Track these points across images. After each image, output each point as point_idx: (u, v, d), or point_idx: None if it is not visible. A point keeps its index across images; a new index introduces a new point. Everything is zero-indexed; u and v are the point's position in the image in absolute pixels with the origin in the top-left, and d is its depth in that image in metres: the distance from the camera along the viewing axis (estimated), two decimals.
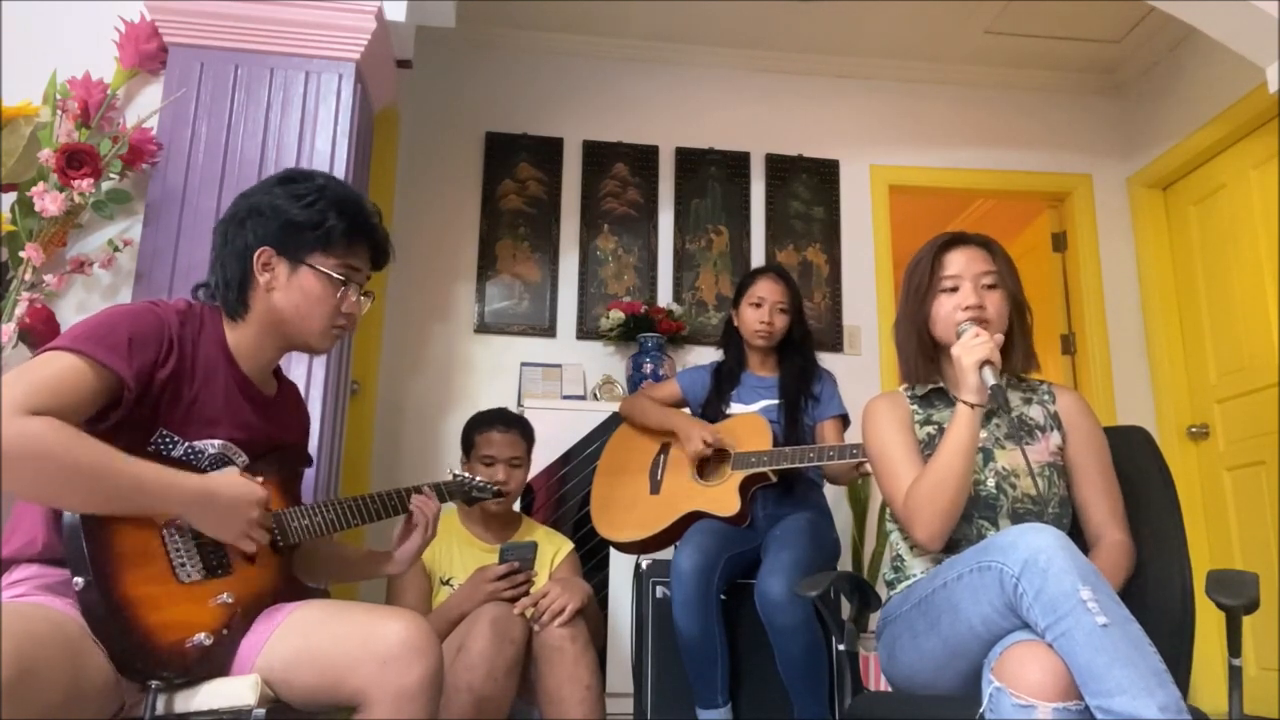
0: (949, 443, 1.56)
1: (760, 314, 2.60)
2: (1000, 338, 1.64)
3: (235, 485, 1.40)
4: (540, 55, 4.13)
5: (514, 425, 2.42)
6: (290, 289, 1.51)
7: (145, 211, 2.41)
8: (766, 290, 2.62)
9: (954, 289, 1.68)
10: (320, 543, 1.67)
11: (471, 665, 1.92)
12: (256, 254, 1.50)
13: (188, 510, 1.35)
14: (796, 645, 2.17)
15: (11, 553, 1.36)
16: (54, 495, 1.27)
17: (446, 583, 2.31)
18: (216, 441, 1.47)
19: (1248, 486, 3.50)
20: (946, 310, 1.68)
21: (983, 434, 1.66)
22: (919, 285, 1.72)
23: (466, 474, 2.04)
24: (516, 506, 2.58)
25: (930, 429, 1.73)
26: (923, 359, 1.73)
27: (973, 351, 1.56)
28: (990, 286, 1.69)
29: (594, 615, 2.25)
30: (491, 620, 1.99)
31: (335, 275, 1.52)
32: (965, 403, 1.57)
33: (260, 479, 1.48)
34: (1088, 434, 1.70)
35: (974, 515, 1.62)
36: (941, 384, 1.76)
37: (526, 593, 2.17)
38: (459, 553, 2.35)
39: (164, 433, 1.41)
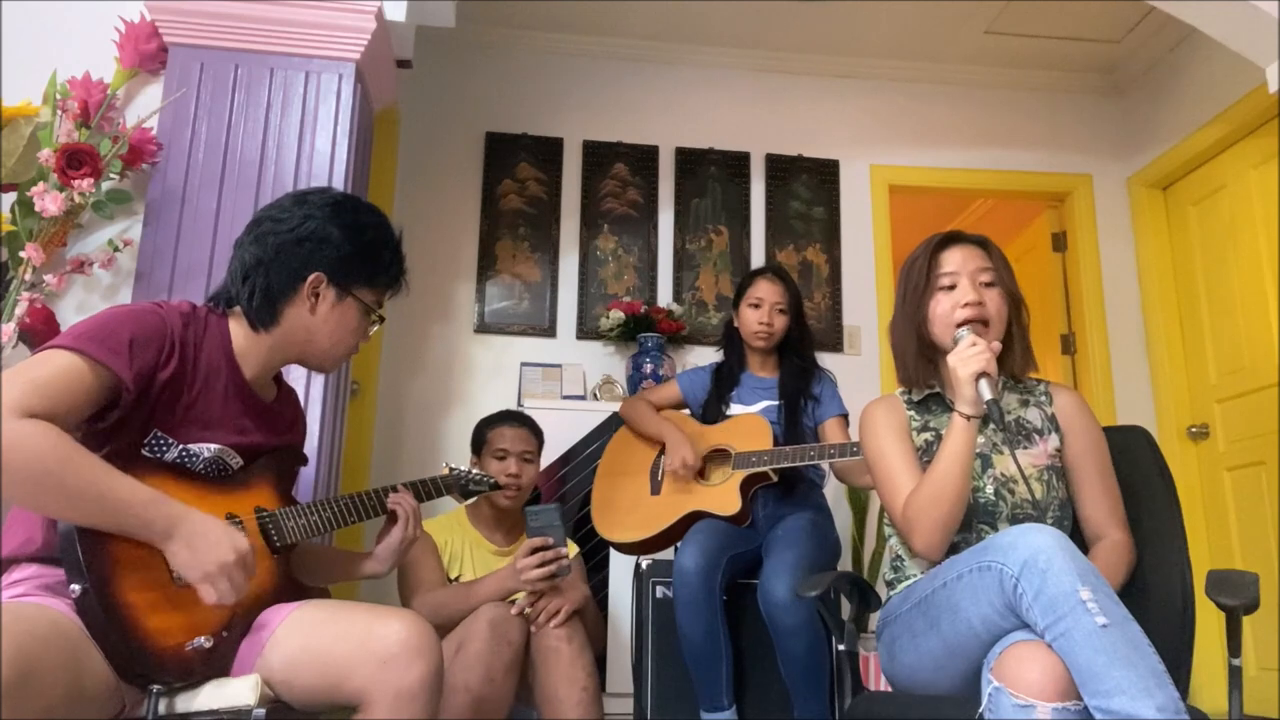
0: (945, 454, 1.55)
1: (759, 315, 2.60)
2: (998, 345, 1.62)
3: (222, 527, 1.35)
4: (540, 55, 4.13)
5: (525, 422, 2.46)
6: (331, 316, 1.54)
7: (145, 211, 2.41)
8: (765, 291, 2.62)
9: (951, 286, 1.66)
10: (307, 544, 1.67)
11: (469, 666, 1.92)
12: (311, 277, 1.51)
13: (165, 539, 1.30)
14: (800, 645, 2.17)
15: (10, 552, 1.36)
16: (40, 504, 1.26)
17: (454, 580, 2.31)
18: (212, 445, 1.46)
19: (1248, 486, 3.50)
20: (945, 309, 1.66)
21: (980, 439, 1.65)
22: (916, 284, 1.70)
23: (461, 467, 2.03)
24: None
25: (927, 435, 1.71)
26: (921, 361, 1.71)
27: (969, 363, 1.53)
28: (988, 284, 1.67)
29: (593, 618, 2.25)
30: (489, 621, 1.99)
31: (373, 309, 1.59)
32: (961, 414, 1.56)
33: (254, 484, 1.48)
34: (1086, 434, 1.69)
35: (974, 521, 1.61)
36: (938, 389, 1.74)
37: (565, 569, 2.09)
38: (469, 553, 2.35)
39: (159, 434, 1.41)
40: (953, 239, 1.72)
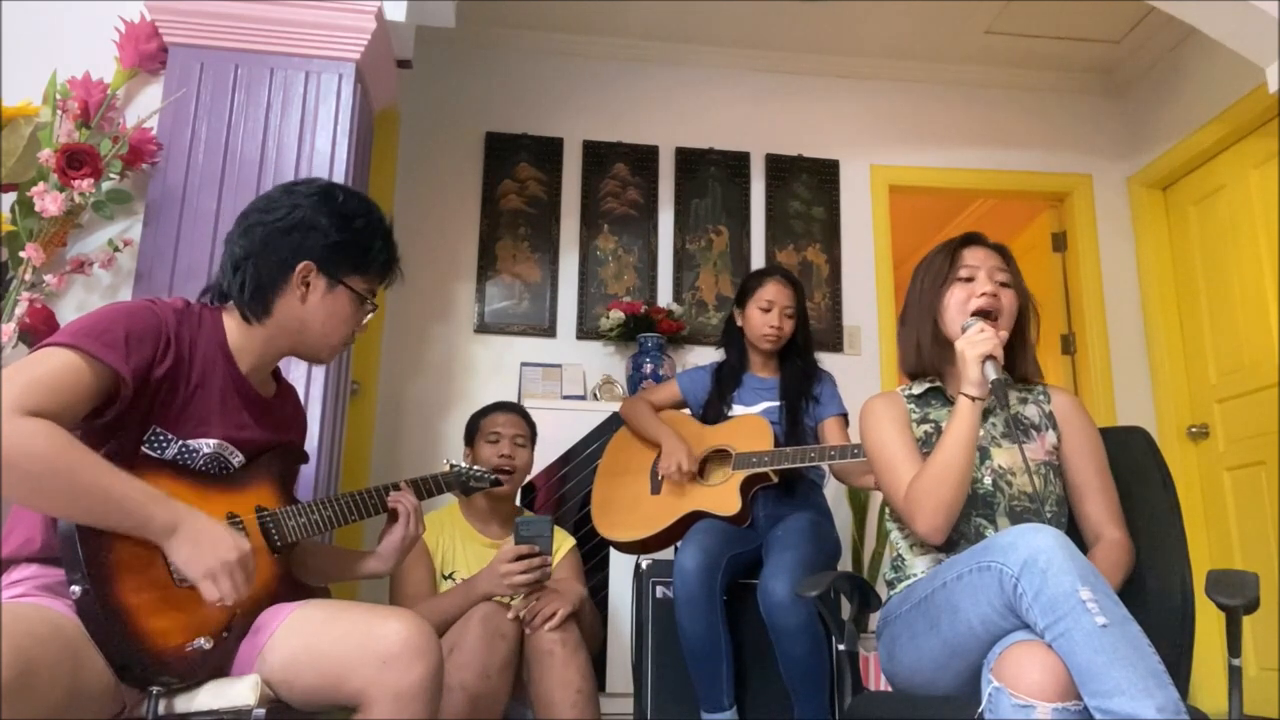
0: (950, 436, 1.57)
1: (770, 318, 2.59)
2: (1005, 335, 1.67)
3: (221, 527, 1.35)
4: (540, 55, 4.13)
5: (517, 409, 2.48)
6: (323, 305, 1.53)
7: (145, 211, 2.41)
8: (776, 294, 2.60)
9: (969, 279, 1.71)
10: (308, 543, 1.67)
11: (464, 664, 1.92)
12: (300, 266, 1.50)
13: (167, 536, 1.30)
14: (800, 646, 2.16)
15: (10, 552, 1.36)
16: (41, 502, 1.26)
17: (448, 577, 2.30)
18: (211, 441, 1.46)
19: (1248, 486, 3.50)
20: (959, 299, 1.71)
21: (980, 433, 1.67)
22: (936, 275, 1.75)
23: (463, 464, 2.04)
24: (518, 503, 2.58)
25: (927, 427, 1.73)
26: (935, 347, 1.74)
27: (976, 345, 1.58)
28: (1004, 284, 1.72)
29: (590, 618, 2.25)
30: (482, 618, 1.99)
31: (365, 297, 1.57)
32: (966, 395, 1.58)
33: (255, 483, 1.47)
34: (1083, 433, 1.71)
35: (971, 513, 1.62)
36: (939, 383, 1.77)
37: (546, 575, 2.11)
38: (462, 547, 2.35)
39: (157, 431, 1.40)
40: (974, 239, 1.77)
